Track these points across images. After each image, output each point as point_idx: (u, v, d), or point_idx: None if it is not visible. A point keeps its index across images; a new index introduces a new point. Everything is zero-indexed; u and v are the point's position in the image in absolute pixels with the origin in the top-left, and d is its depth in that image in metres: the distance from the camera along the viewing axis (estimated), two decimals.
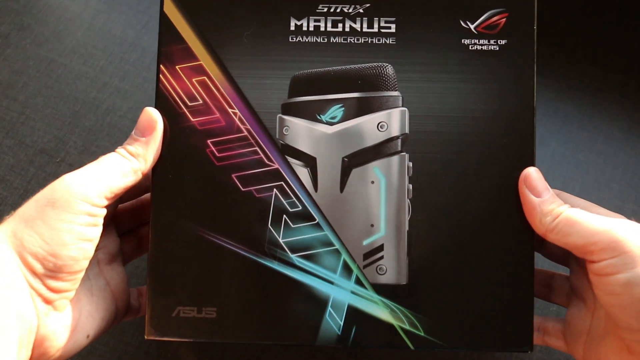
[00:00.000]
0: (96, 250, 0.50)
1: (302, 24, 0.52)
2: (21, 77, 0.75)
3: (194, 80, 0.52)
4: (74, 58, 0.76)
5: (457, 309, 0.51)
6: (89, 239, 0.48)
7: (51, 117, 0.74)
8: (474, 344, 0.51)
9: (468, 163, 0.51)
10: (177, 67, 0.52)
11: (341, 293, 0.51)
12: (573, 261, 0.55)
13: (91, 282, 0.52)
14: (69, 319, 0.49)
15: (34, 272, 0.46)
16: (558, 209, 0.49)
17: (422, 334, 0.51)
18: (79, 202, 0.47)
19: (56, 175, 0.70)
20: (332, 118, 0.51)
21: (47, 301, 0.47)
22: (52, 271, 0.46)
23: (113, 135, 0.73)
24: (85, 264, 0.48)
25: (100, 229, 0.49)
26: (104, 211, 0.49)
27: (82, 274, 0.49)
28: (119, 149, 0.51)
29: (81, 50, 0.77)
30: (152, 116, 0.51)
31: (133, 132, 0.52)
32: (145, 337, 0.52)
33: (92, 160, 0.71)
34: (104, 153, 0.71)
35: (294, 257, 0.51)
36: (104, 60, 0.76)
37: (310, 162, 0.52)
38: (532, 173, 0.51)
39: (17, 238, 0.46)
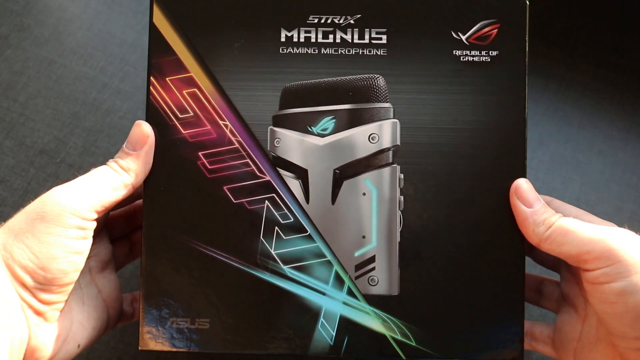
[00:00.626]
0: (88, 258, 0.50)
1: (292, 35, 0.52)
2: (21, 78, 0.75)
3: (184, 92, 0.52)
4: (73, 59, 0.76)
5: (447, 319, 0.51)
6: (79, 252, 0.48)
7: (51, 117, 0.74)
8: (464, 353, 0.51)
9: (459, 174, 0.51)
10: (167, 79, 0.52)
11: (333, 304, 0.51)
12: (564, 268, 0.55)
13: (83, 291, 0.52)
14: (60, 329, 0.49)
15: (23, 285, 0.46)
16: (550, 219, 0.49)
17: (414, 344, 0.51)
18: (68, 216, 0.47)
19: (56, 176, 0.71)
20: (324, 130, 0.51)
21: (38, 313, 0.47)
22: (42, 284, 0.47)
23: (113, 135, 0.73)
24: (76, 276, 0.49)
25: (90, 241, 0.49)
26: (94, 224, 0.49)
27: (72, 286, 0.49)
28: (110, 162, 0.51)
29: (81, 51, 0.77)
30: (144, 130, 0.51)
31: (124, 145, 0.51)
32: (140, 348, 0.52)
33: (92, 160, 0.72)
34: (104, 154, 0.72)
35: (286, 269, 0.51)
36: (104, 61, 0.76)
37: (301, 174, 0.52)
38: (522, 184, 0.51)
39: (7, 251, 0.46)
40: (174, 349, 0.52)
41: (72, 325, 0.50)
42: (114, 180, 0.50)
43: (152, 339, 0.52)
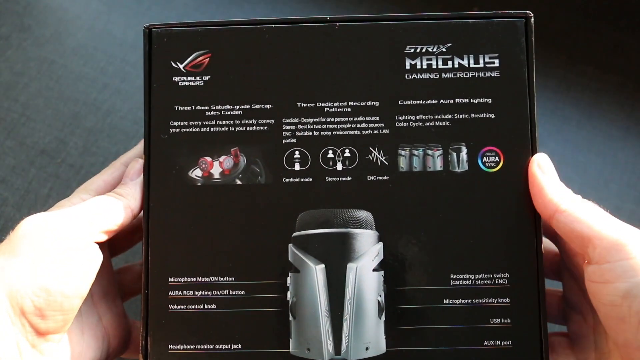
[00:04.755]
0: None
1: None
2: (22, 79, 0.76)
3: None
4: (74, 59, 0.77)
5: None
6: (84, 276, 0.46)
7: (52, 118, 0.74)
8: None
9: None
10: None
11: None
12: (567, 275, 0.53)
13: (82, 318, 0.50)
14: None
15: (22, 311, 0.43)
16: (572, 194, 0.47)
17: None
18: (75, 237, 0.46)
19: (57, 176, 0.71)
20: None
21: (33, 345, 0.44)
22: (41, 309, 0.44)
23: (113, 136, 0.73)
24: (78, 303, 0.46)
25: (97, 265, 0.47)
26: (98, 250, 0.48)
27: (73, 315, 0.46)
28: (108, 194, 0.50)
29: (82, 51, 0.77)
30: (141, 164, 0.52)
31: (121, 181, 0.52)
32: None
33: (92, 161, 0.72)
34: (104, 154, 0.72)
35: None
36: (105, 62, 0.77)
37: None
38: (544, 156, 0.49)
39: (6, 271, 0.43)
40: None
41: (71, 358, 0.48)
42: (116, 203, 0.49)
43: None
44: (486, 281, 0.49)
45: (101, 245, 0.48)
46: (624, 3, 0.77)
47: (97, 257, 0.47)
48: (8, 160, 0.73)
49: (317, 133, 0.51)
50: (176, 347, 0.50)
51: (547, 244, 0.54)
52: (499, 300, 0.49)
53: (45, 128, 0.74)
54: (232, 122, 0.51)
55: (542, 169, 0.49)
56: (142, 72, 0.52)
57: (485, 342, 0.49)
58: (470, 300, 0.49)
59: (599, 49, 0.76)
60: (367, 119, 0.50)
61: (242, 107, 0.51)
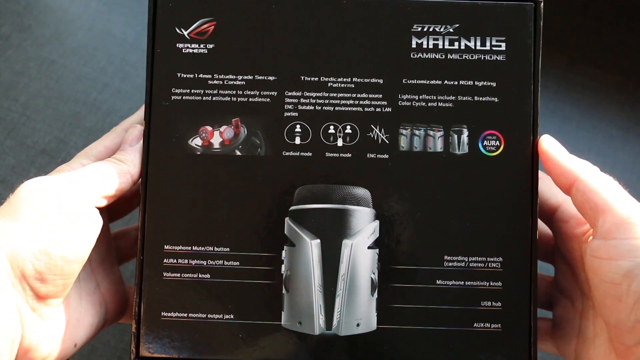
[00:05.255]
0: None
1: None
2: (22, 78, 0.76)
3: None
4: (74, 59, 0.77)
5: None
6: (84, 240, 0.46)
7: (52, 118, 0.74)
8: None
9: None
10: None
11: None
12: (560, 259, 0.53)
13: (81, 284, 0.50)
14: (56, 328, 0.47)
15: (22, 275, 0.43)
16: (590, 164, 0.48)
17: None
18: (76, 201, 0.46)
19: None
20: None
21: (34, 309, 0.44)
22: (42, 273, 0.43)
23: None
24: (78, 268, 0.46)
25: (97, 230, 0.47)
26: (98, 215, 0.48)
27: (72, 280, 0.46)
28: (107, 159, 0.50)
29: (82, 51, 0.77)
30: (140, 130, 0.51)
31: (120, 147, 0.51)
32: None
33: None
34: None
35: None
36: (105, 62, 0.77)
37: None
38: (550, 138, 0.50)
39: (8, 234, 0.43)
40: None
41: (69, 323, 0.48)
42: (116, 169, 0.49)
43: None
44: (480, 264, 0.50)
45: (100, 210, 0.48)
46: (624, 3, 0.77)
47: (97, 222, 0.47)
48: (8, 160, 0.73)
49: (320, 108, 0.51)
50: (169, 314, 0.50)
51: (541, 227, 0.54)
52: (491, 283, 0.50)
53: (45, 128, 0.74)
54: (234, 92, 0.51)
55: (552, 145, 0.49)
56: (143, 72, 0.52)
57: (475, 324, 0.50)
58: (462, 283, 0.50)
59: (599, 49, 0.76)
60: (370, 96, 0.51)
61: (245, 77, 0.51)
